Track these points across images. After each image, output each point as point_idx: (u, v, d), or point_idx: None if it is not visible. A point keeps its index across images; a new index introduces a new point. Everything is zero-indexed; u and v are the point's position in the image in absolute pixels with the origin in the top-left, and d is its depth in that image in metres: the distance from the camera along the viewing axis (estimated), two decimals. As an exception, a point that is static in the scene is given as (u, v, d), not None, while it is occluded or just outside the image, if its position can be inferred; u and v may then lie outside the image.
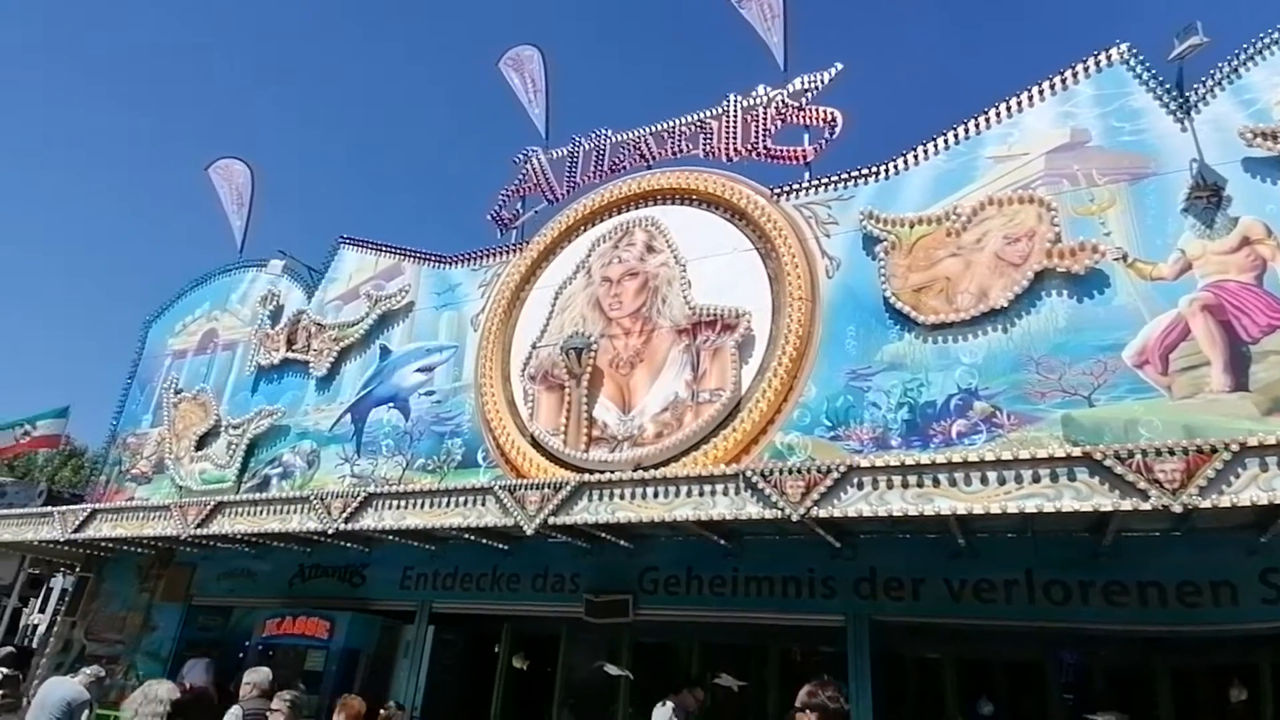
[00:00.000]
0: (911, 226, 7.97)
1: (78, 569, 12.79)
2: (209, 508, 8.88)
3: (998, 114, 8.15)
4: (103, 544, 10.48)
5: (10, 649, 11.34)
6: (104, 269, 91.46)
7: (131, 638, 11.23)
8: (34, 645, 19.98)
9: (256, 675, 6.12)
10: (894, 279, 7.83)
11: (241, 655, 9.93)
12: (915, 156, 8.41)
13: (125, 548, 10.69)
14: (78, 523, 9.97)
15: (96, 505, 10.44)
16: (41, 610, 25.36)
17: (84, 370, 71.92)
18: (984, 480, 5.27)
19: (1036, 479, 5.12)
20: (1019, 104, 8.09)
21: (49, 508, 11.30)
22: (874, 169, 8.60)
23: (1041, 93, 8.03)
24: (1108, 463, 4.89)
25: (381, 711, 7.42)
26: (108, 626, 11.65)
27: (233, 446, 11.77)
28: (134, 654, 11.08)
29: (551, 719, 8.55)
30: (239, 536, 9.00)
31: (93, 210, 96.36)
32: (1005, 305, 7.23)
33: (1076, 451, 5.08)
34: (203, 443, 12.22)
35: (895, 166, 8.49)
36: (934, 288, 7.64)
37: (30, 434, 16.08)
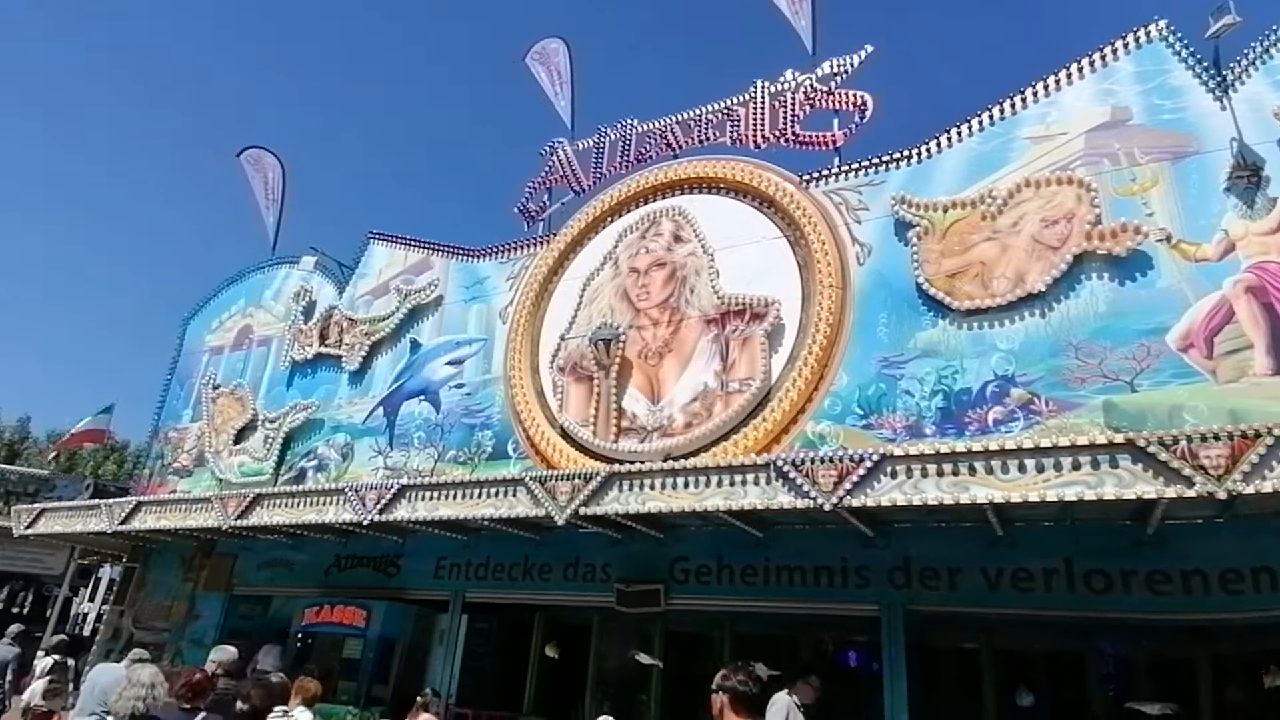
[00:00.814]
0: (945, 211, 7.81)
1: (125, 559, 13.18)
2: (248, 500, 9.08)
3: (1034, 93, 7.94)
4: (147, 535, 10.78)
5: (62, 637, 11.71)
6: (143, 268, 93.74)
7: (177, 625, 11.55)
8: (84, 633, 20.65)
9: (222, 654, 6.21)
10: (927, 265, 7.69)
11: (265, 643, 10.14)
12: (949, 139, 8.24)
13: (169, 539, 10.98)
14: (124, 515, 10.26)
15: (141, 498, 10.73)
16: (91, 599, 26.17)
17: (125, 367, 73.82)
18: (1022, 468, 5.20)
19: (1077, 466, 5.04)
20: (1057, 82, 7.87)
21: (96, 500, 11.66)
22: (906, 153, 8.43)
23: (1080, 70, 7.80)
24: (1151, 449, 4.79)
25: (418, 699, 7.53)
26: (154, 615, 11.99)
27: (269, 440, 11.99)
28: (179, 641, 11.39)
29: (584, 707, 8.60)
30: (277, 527, 9.19)
31: (128, 211, 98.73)
32: (1043, 290, 7.06)
33: (1119, 438, 5.00)
34: (241, 436, 12.48)
35: (928, 150, 8.32)
36: (968, 273, 7.48)
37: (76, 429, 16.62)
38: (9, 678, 9.21)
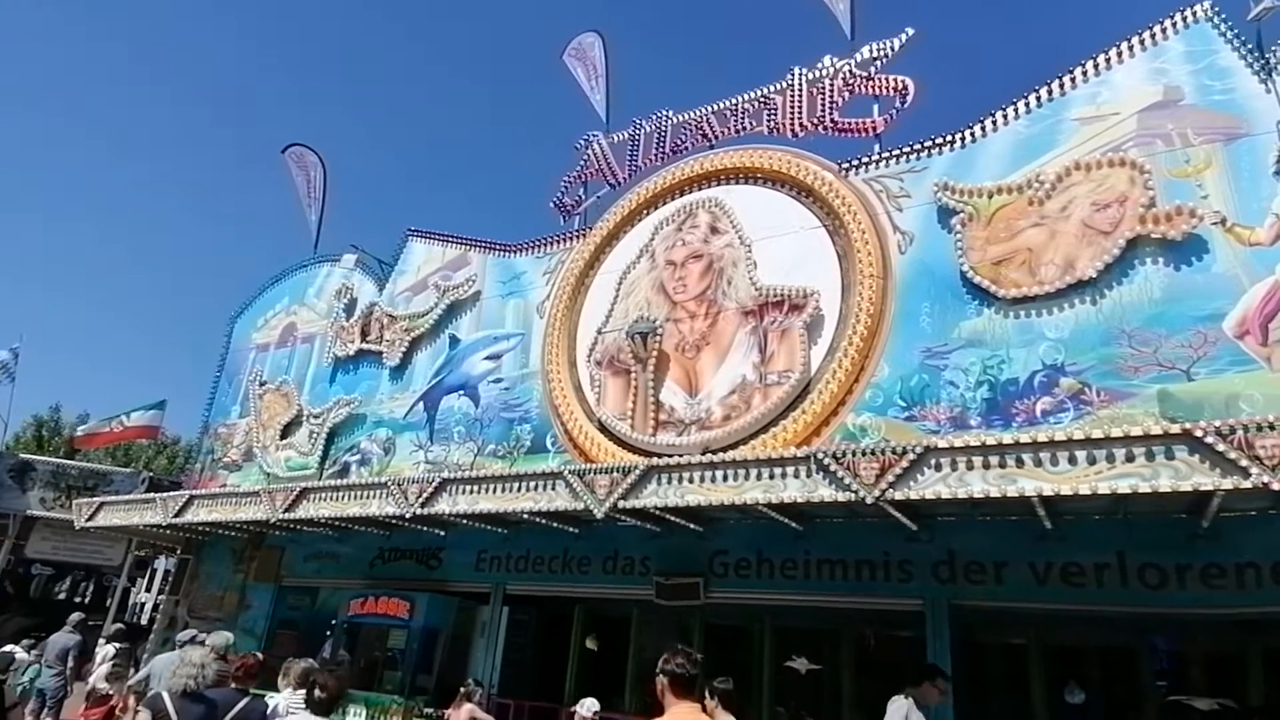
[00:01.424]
0: (990, 196, 7.61)
1: (179, 551, 13.60)
2: (295, 493, 9.28)
3: (1084, 73, 7.70)
4: (200, 527, 11.09)
5: (121, 625, 12.14)
6: (190, 268, 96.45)
7: (229, 615, 11.87)
8: (141, 622, 21.39)
9: (217, 639, 6.48)
10: (971, 252, 7.51)
11: (329, 633, 10.38)
12: (994, 122, 8.02)
13: (220, 531, 11.27)
14: (177, 508, 10.58)
15: (193, 491, 11.06)
16: (148, 590, 27.11)
17: (175, 365, 76.12)
18: (1073, 460, 5.07)
19: (1131, 458, 4.90)
20: (1107, 61, 7.62)
21: (151, 494, 12.05)
22: (949, 138, 8.24)
23: (1131, 49, 7.55)
24: (1209, 440, 4.65)
25: (462, 689, 7.62)
26: (208, 605, 12.36)
27: (314, 435, 12.24)
28: (232, 629, 11.66)
29: (624, 698, 8.61)
30: (323, 520, 9.37)
31: (176, 211, 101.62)
32: (1094, 276, 6.85)
33: (1175, 428, 4.85)
34: (287, 431, 12.77)
35: (972, 134, 8.11)
36: (1015, 260, 7.29)
37: (125, 424, 17.17)
38: (70, 663, 9.56)
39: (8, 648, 9.79)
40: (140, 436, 20.00)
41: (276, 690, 5.47)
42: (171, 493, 11.46)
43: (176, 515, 10.55)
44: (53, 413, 33.36)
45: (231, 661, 4.99)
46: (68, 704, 9.63)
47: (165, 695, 4.34)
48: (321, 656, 8.87)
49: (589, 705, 6.48)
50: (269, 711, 5.13)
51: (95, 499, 12.67)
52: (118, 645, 10.16)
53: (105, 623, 16.31)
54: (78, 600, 21.62)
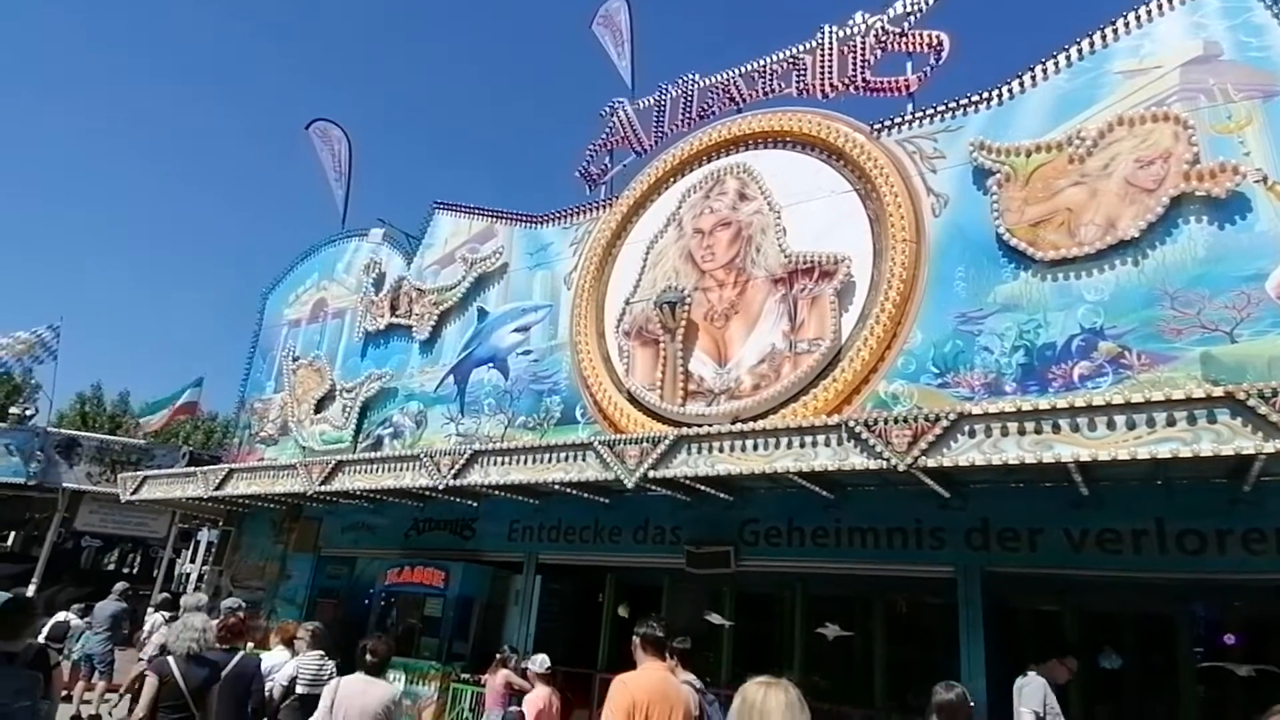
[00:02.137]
0: (1028, 155, 7.39)
1: (221, 523, 13.98)
2: (330, 466, 9.45)
3: (1126, 24, 7.40)
4: (240, 500, 11.36)
5: (168, 594, 12.56)
6: (223, 242, 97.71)
7: (271, 585, 12.22)
8: (185, 591, 22.09)
9: (192, 599, 7.17)
10: (1008, 214, 7.31)
11: (367, 601, 10.63)
12: (1033, 77, 7.75)
13: (260, 503, 11.54)
14: (218, 481, 10.85)
15: (233, 465, 11.31)
16: (192, 561, 27.98)
17: (213, 342, 77.61)
18: (1111, 425, 4.97)
19: (1172, 422, 4.80)
20: (1149, 12, 7.33)
21: (192, 468, 12.35)
22: (985, 94, 7.98)
23: (1170, 1, 7.24)
24: (1251, 403, 4.54)
25: (498, 655, 7.77)
26: (250, 575, 12.72)
27: (347, 409, 12.42)
28: (274, 599, 12.06)
29: (658, 666, 8.73)
30: (358, 492, 9.54)
31: (204, 186, 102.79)
32: (1136, 236, 6.65)
33: (1218, 391, 4.73)
34: (320, 406, 12.97)
35: (1010, 90, 7.85)
36: (1054, 221, 7.09)
37: (175, 405, 17.64)
38: (118, 629, 9.91)
39: (61, 616, 10.17)
40: (184, 415, 20.53)
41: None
42: (211, 466, 11.73)
43: (217, 488, 10.82)
44: (94, 391, 34.37)
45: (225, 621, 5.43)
46: (120, 670, 10.01)
47: (171, 659, 4.67)
48: (387, 626, 9.35)
49: (540, 661, 6.69)
50: (282, 673, 5.91)
51: (139, 473, 13.05)
52: (166, 614, 10.52)
53: (153, 592, 16.89)
54: (126, 571, 22.36)
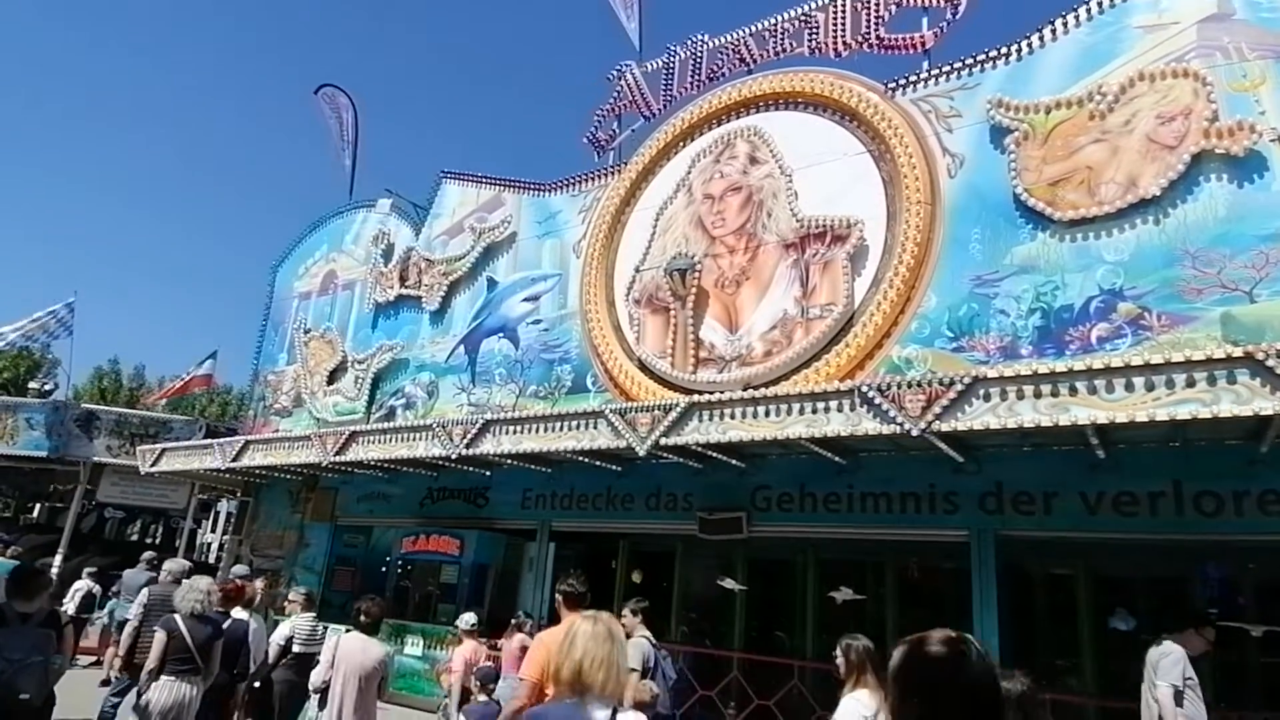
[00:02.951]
0: (1048, 112, 7.21)
1: (239, 494, 14.15)
2: (344, 437, 9.53)
3: (1147, -25, 7.16)
4: (257, 471, 11.50)
5: (189, 563, 12.76)
6: (228, 214, 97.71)
7: (289, 553, 12.40)
8: (209, 561, 22.51)
9: (174, 565, 7.64)
10: (1026, 173, 7.16)
11: (384, 569, 10.78)
12: (1053, 31, 7.53)
13: (276, 474, 11.67)
14: (235, 452, 10.97)
15: (249, 437, 11.43)
16: (212, 531, 28.48)
17: (226, 315, 78.07)
18: (1130, 387, 4.94)
19: (1191, 384, 4.77)
20: (1166, -36, 7.08)
21: (209, 440, 12.49)
22: (1004, 50, 7.77)
23: (1184, -46, 7.01)
24: (1270, 363, 4.50)
25: (513, 621, 7.86)
26: (269, 544, 12.91)
27: (359, 380, 12.48)
28: (293, 567, 12.24)
29: (670, 629, 8.81)
30: (373, 462, 9.62)
31: (207, 153, 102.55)
32: (1158, 194, 6.51)
33: (1237, 352, 4.68)
34: (333, 377, 13.04)
35: (1029, 45, 7.64)
36: (1073, 180, 6.94)
37: (186, 377, 17.79)
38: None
39: (81, 585, 10.38)
40: (199, 386, 20.73)
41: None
42: (228, 438, 11.85)
43: (234, 460, 10.95)
44: (112, 365, 34.73)
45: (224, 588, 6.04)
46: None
47: (178, 617, 5.13)
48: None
49: (467, 620, 7.03)
50: (278, 633, 6.41)
51: (157, 446, 13.21)
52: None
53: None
54: (148, 541, 22.77)
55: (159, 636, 5.09)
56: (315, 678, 5.16)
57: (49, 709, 4.71)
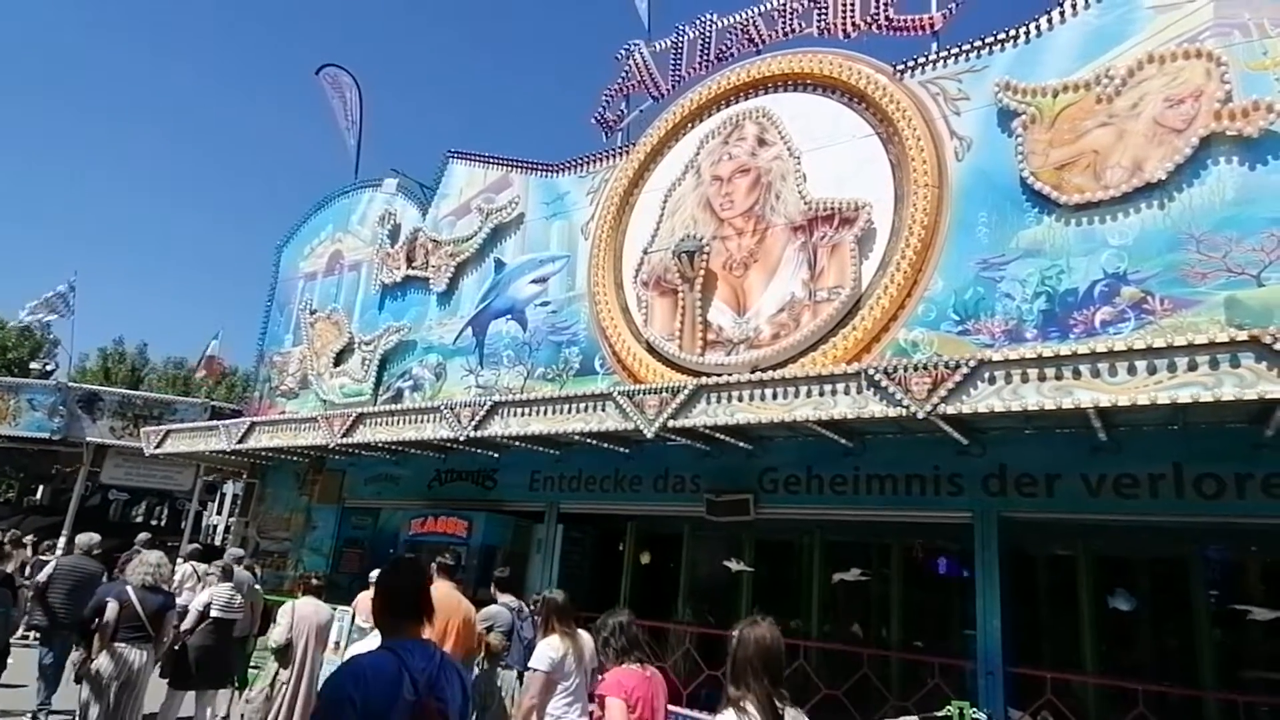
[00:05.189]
0: (1055, 95, 7.21)
1: (245, 475, 14.25)
2: (351, 419, 9.59)
3: (1159, -46, 7.13)
4: (263, 453, 11.57)
5: (197, 545, 12.88)
6: (233, 194, 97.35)
7: (297, 535, 12.50)
8: (214, 543, 22.69)
9: (84, 539, 8.34)
10: (1033, 156, 7.18)
11: (391, 551, 10.88)
12: (1061, 13, 7.50)
13: (283, 456, 11.75)
14: (240, 434, 11.03)
15: (254, 419, 11.48)
16: (218, 513, 28.65)
17: (227, 296, 77.93)
18: (1132, 370, 4.99)
19: (1194, 367, 4.81)
20: (1183, -58, 7.04)
21: (215, 422, 12.56)
22: (1013, 32, 7.74)
23: (1204, -70, 6.97)
24: (1277, 346, 4.53)
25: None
26: (276, 526, 13.01)
27: (366, 362, 12.52)
28: (300, 549, 12.35)
29: (677, 610, 8.93)
30: (380, 444, 9.68)
31: (212, 134, 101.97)
32: (1163, 178, 6.52)
33: (1242, 335, 4.71)
34: (339, 359, 13.06)
35: (1038, 27, 7.61)
36: (1079, 164, 6.96)
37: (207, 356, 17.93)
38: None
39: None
40: (214, 370, 20.87)
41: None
42: (234, 420, 11.91)
43: (240, 441, 11.01)
44: (115, 345, 34.76)
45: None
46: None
47: (129, 588, 5.55)
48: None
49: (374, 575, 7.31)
50: (197, 600, 6.99)
51: (162, 427, 13.29)
52: (197, 564, 10.80)
53: (181, 544, 17.34)
54: (153, 523, 22.93)
55: (111, 606, 5.42)
56: (277, 637, 6.03)
57: (3, 659, 5.97)
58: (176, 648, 6.54)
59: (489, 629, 6.07)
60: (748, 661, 2.57)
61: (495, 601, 6.46)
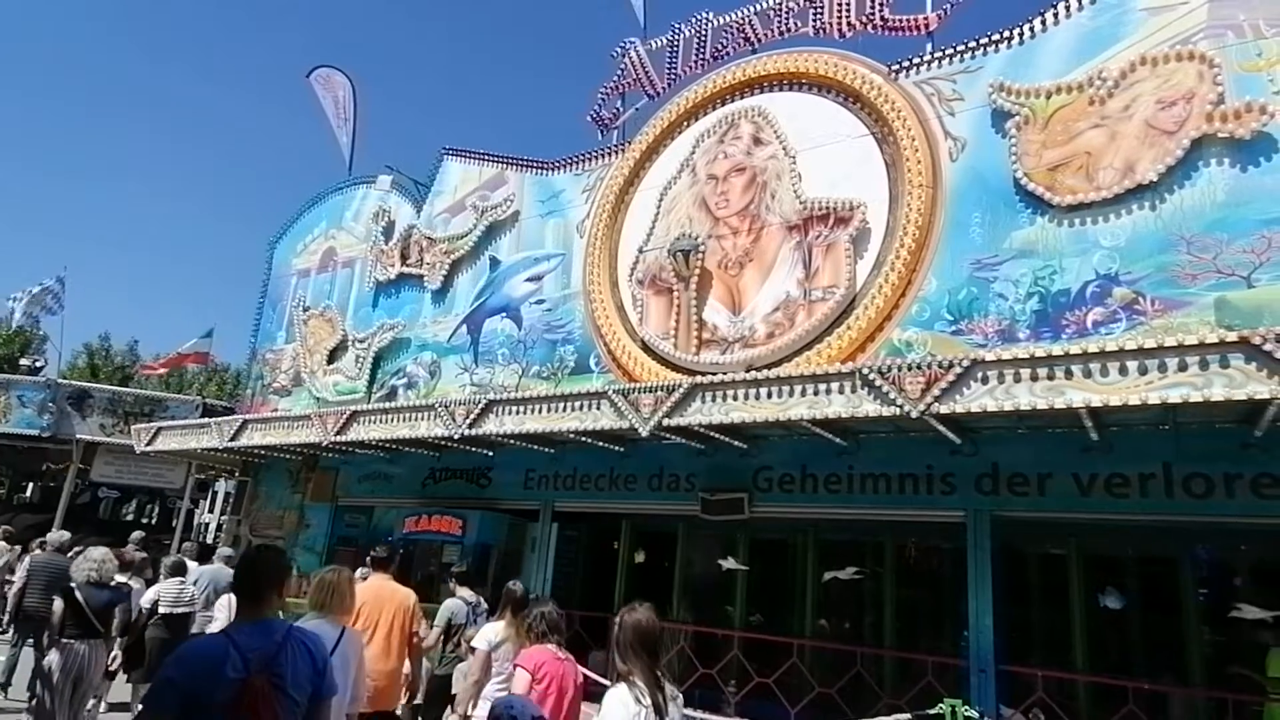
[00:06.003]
0: (1048, 97, 7.26)
1: (237, 473, 14.18)
2: (345, 416, 9.57)
3: (1153, -43, 7.18)
4: (256, 451, 11.52)
5: (192, 544, 12.82)
6: (224, 192, 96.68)
7: (290, 534, 12.45)
8: (207, 541, 22.57)
9: (54, 536, 8.26)
10: (1026, 158, 7.23)
11: (385, 549, 10.85)
12: (1055, 15, 7.56)
13: (276, 454, 11.71)
14: (232, 432, 10.99)
15: (247, 416, 11.44)
16: (210, 511, 28.52)
17: (220, 293, 77.50)
18: (1123, 370, 5.05)
19: (1184, 367, 4.86)
20: (1177, -57, 7.09)
21: (206, 419, 12.49)
22: (1007, 33, 7.79)
23: (1198, -68, 7.01)
24: (1267, 347, 4.57)
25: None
26: (269, 524, 12.96)
27: (360, 359, 12.48)
28: (293, 548, 12.28)
29: (672, 608, 8.95)
30: (374, 442, 9.67)
31: (206, 132, 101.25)
32: (1155, 179, 6.58)
33: (1232, 336, 4.77)
34: (333, 356, 13.02)
35: (1031, 29, 7.67)
36: (1072, 165, 7.01)
37: (178, 352, 17.73)
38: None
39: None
40: (193, 362, 20.67)
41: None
42: (226, 418, 11.86)
43: (232, 439, 10.97)
44: (103, 342, 34.44)
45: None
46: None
47: (74, 585, 5.53)
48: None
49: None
50: (145, 597, 6.97)
51: (153, 424, 13.22)
52: (192, 562, 10.73)
53: (173, 542, 17.25)
54: (145, 521, 22.78)
55: (57, 603, 5.50)
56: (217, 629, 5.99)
57: None
58: (132, 642, 6.65)
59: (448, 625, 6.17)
60: (629, 643, 2.95)
61: (454, 595, 6.52)
